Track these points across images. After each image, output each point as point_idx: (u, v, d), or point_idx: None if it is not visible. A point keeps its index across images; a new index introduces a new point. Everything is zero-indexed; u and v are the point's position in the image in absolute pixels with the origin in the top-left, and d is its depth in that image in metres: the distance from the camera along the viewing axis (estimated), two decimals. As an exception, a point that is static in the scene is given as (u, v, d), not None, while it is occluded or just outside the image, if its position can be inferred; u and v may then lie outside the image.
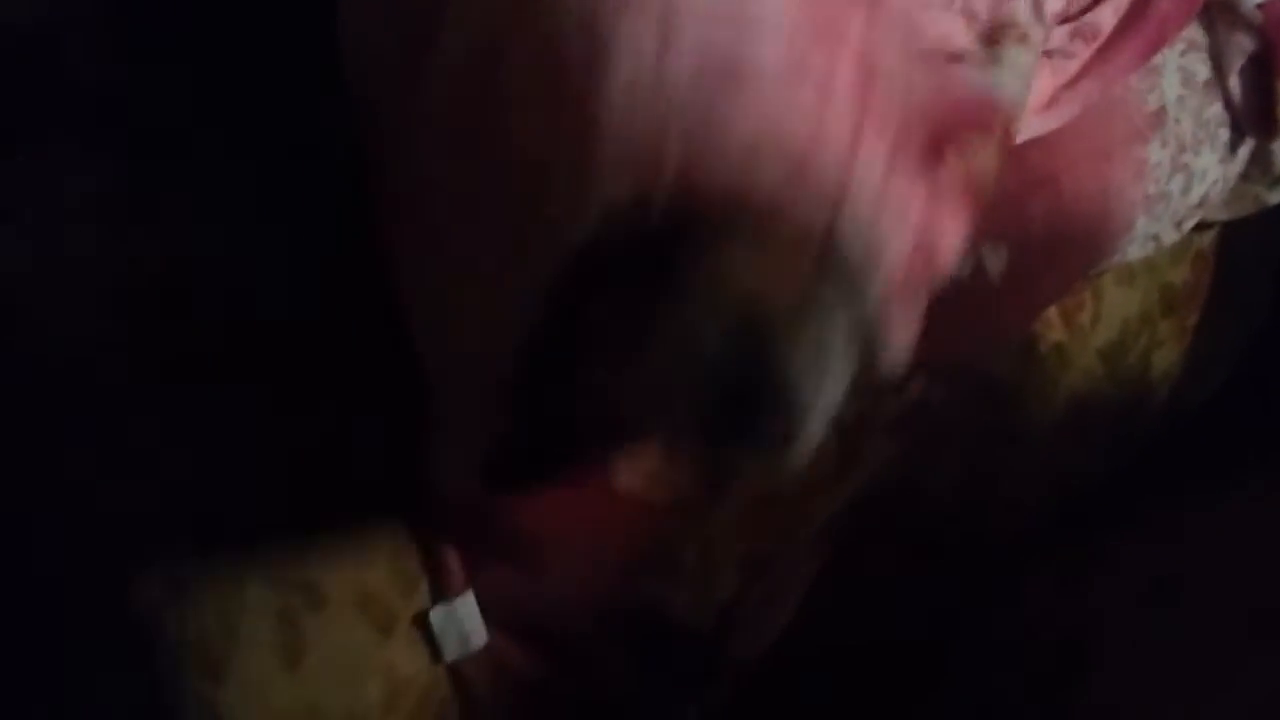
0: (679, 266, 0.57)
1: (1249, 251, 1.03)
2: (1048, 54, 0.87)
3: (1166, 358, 1.00)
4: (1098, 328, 0.96)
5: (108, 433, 0.74)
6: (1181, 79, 0.95)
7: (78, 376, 0.74)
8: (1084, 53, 0.88)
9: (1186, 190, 0.95)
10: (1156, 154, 0.93)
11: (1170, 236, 0.97)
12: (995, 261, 0.86)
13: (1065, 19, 0.89)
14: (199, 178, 0.77)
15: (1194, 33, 0.95)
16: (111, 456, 0.73)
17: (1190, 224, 0.98)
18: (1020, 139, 0.86)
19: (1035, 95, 0.85)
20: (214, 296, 0.76)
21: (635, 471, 0.79)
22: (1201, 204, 0.97)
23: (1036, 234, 0.88)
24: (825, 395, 0.61)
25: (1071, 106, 0.86)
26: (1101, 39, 0.88)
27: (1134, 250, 0.95)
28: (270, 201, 0.78)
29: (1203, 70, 0.96)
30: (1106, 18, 0.89)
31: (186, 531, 0.73)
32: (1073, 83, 0.87)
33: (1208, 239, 1.02)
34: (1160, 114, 0.93)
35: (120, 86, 0.82)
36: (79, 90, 0.82)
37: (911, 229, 0.64)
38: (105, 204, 0.76)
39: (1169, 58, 0.94)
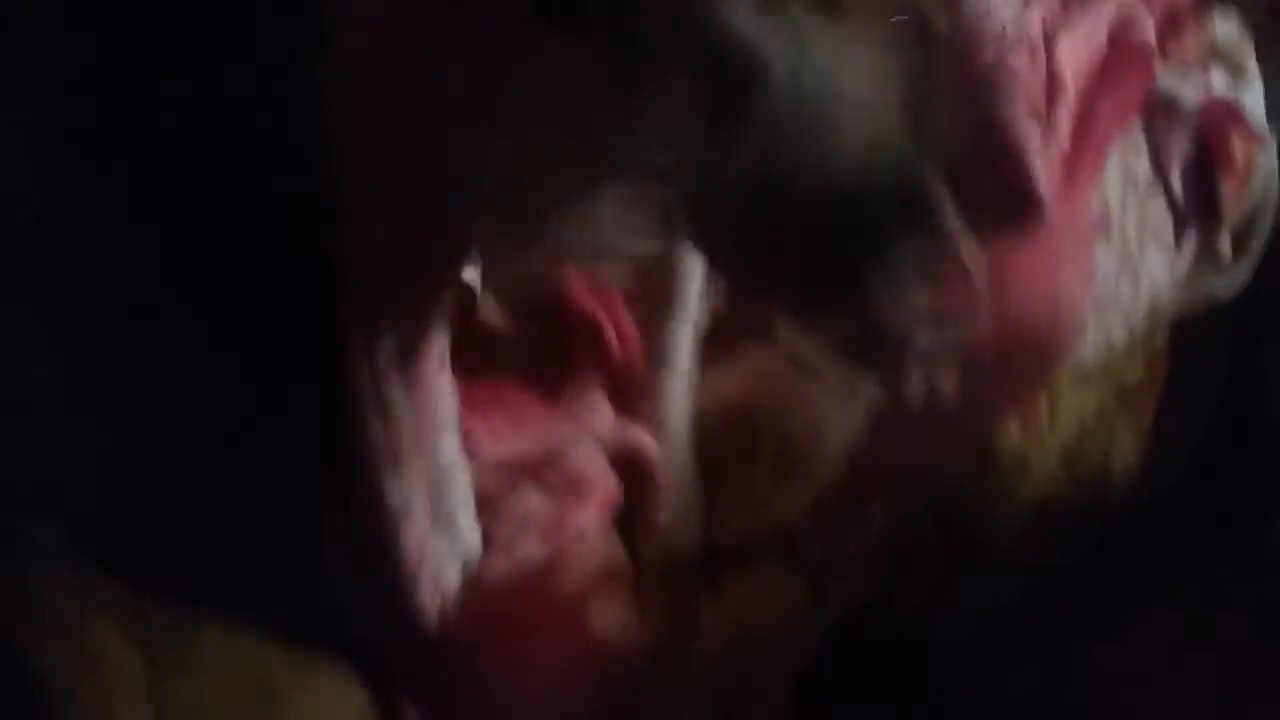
0: None
1: (1202, 342, 1.04)
2: None
3: (1125, 455, 1.00)
4: (1055, 431, 0.95)
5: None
6: (1123, 178, 0.95)
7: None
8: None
9: (1135, 289, 0.96)
10: (1103, 256, 0.94)
11: (1122, 336, 0.97)
12: (948, 380, 0.87)
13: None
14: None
15: (1133, 130, 0.97)
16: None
17: (1142, 322, 0.98)
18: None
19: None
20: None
21: (608, 615, 0.79)
22: (1151, 301, 0.98)
23: (988, 350, 0.88)
24: None
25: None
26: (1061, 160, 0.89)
27: (1087, 352, 0.95)
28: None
29: (1143, 169, 0.97)
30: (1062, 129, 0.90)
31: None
32: None
33: (1159, 333, 1.02)
34: (1104, 216, 0.94)
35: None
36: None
37: None
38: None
39: (1110, 157, 0.95)
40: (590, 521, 0.79)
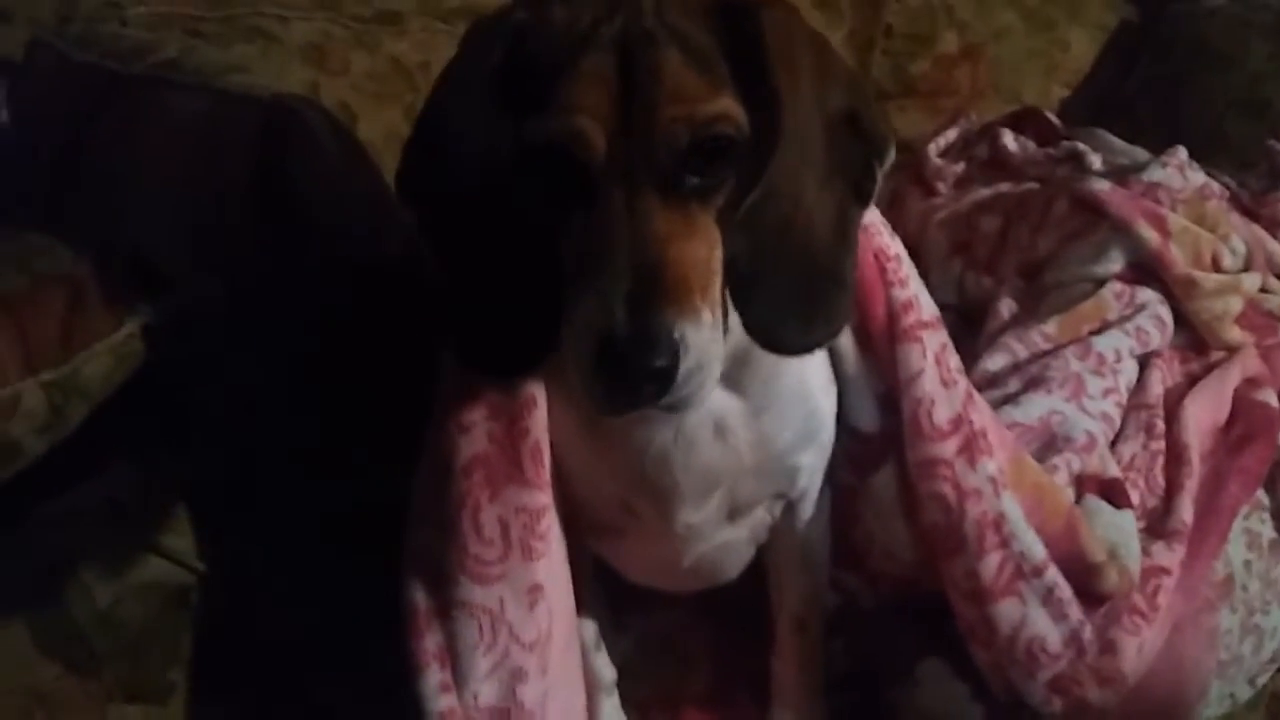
0: None
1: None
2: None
3: (1247, 804, 1.02)
4: (1178, 785, 0.97)
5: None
6: (1247, 542, 0.97)
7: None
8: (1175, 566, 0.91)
9: (1258, 649, 0.97)
10: (1227, 620, 0.95)
11: (1245, 694, 0.99)
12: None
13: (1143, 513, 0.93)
14: None
15: (1257, 493, 1.00)
16: None
17: (1265, 679, 1.00)
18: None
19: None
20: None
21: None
22: (1274, 658, 1.00)
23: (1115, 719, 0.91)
24: None
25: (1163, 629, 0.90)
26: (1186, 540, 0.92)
27: (1210, 711, 0.97)
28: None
29: (1267, 530, 0.99)
30: (1186, 511, 0.93)
31: None
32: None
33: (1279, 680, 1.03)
34: (1228, 581, 0.96)
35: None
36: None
37: None
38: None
39: (1234, 522, 0.98)
40: None
